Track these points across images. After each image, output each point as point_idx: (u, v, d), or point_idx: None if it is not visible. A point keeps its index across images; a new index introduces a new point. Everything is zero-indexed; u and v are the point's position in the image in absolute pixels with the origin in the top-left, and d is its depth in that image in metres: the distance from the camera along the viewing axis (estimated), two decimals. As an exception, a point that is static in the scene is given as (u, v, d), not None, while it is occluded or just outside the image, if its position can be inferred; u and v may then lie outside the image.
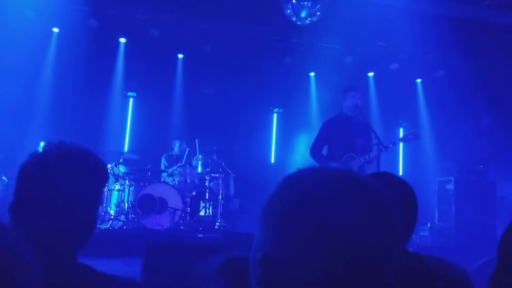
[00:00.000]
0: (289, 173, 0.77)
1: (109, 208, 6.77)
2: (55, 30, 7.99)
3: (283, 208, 0.72)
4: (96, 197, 1.26)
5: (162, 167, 7.48)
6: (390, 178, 1.55)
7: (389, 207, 0.73)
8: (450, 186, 7.28)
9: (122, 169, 7.01)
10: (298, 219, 0.69)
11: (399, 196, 1.47)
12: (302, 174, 0.75)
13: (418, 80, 9.48)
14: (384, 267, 0.70)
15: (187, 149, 7.33)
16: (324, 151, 5.31)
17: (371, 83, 9.39)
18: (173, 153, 7.67)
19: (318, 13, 5.89)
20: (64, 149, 1.22)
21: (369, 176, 1.57)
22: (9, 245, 0.73)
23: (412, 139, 5.25)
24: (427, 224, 7.61)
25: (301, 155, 8.05)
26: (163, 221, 6.22)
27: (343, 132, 5.16)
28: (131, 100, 8.90)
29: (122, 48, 8.47)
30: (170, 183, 6.83)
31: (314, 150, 5.27)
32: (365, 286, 0.68)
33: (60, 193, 1.16)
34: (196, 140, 7.37)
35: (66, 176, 1.18)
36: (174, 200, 6.35)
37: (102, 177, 1.28)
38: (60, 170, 1.18)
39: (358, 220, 0.68)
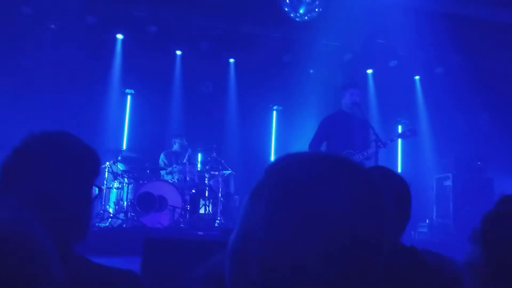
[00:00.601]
0: (276, 159, 0.74)
1: (108, 206, 6.76)
2: (52, 26, 7.95)
3: (268, 197, 0.68)
4: (86, 187, 1.20)
5: (162, 164, 7.46)
6: (385, 171, 1.56)
7: (380, 194, 0.70)
8: (449, 183, 7.31)
9: (120, 167, 7.00)
10: (284, 208, 0.66)
11: (394, 190, 1.48)
12: (289, 160, 0.72)
13: (417, 77, 9.48)
14: (375, 256, 0.67)
15: (190, 150, 7.31)
16: (323, 148, 5.32)
17: (370, 80, 9.39)
18: (173, 150, 7.66)
19: (316, 10, 5.88)
20: (45, 138, 1.17)
21: (369, 168, 1.58)
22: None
23: (409, 135, 5.27)
24: (426, 221, 7.63)
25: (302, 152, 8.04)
26: (163, 219, 6.22)
27: (341, 129, 5.18)
28: (129, 97, 8.88)
29: (119, 45, 8.43)
30: (169, 181, 6.82)
31: (313, 147, 5.28)
32: (355, 277, 0.65)
33: (44, 185, 1.11)
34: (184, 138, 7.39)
35: (48, 167, 1.13)
36: (173, 198, 6.34)
37: (91, 164, 1.22)
38: (41, 161, 1.13)
39: (347, 208, 0.65)
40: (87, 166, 1.21)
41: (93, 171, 1.23)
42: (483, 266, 1.12)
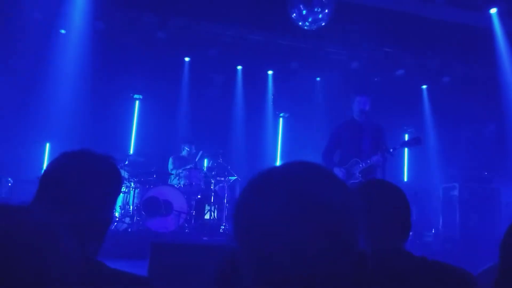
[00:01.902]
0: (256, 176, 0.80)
1: (114, 210, 6.78)
2: (62, 31, 8.03)
3: (234, 212, 0.77)
4: (111, 200, 1.32)
5: (171, 167, 7.47)
6: (382, 183, 1.61)
7: (311, 209, 0.72)
8: (455, 193, 7.28)
9: (127, 171, 7.03)
10: (236, 223, 0.76)
11: (391, 201, 1.51)
12: (254, 178, 0.79)
13: (424, 86, 9.48)
14: (340, 260, 0.71)
15: (200, 152, 7.34)
16: (337, 156, 5.36)
17: (377, 88, 9.39)
18: (181, 155, 7.68)
19: (325, 19, 5.91)
20: (85, 155, 1.29)
21: (362, 184, 1.64)
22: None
23: (414, 144, 5.26)
24: (432, 230, 7.60)
25: (307, 159, 8.04)
26: (168, 224, 6.23)
27: (351, 137, 5.20)
28: (137, 102, 8.94)
29: (129, 51, 8.49)
30: (175, 185, 6.84)
31: (325, 155, 5.32)
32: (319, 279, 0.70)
33: (79, 195, 1.22)
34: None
35: (85, 180, 1.24)
36: (179, 203, 6.36)
37: (118, 182, 1.35)
38: (81, 175, 1.24)
39: (276, 224, 0.70)
40: (116, 180, 1.34)
41: (116, 189, 1.35)
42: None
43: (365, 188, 1.58)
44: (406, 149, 7.81)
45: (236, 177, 7.43)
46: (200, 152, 7.33)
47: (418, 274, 1.38)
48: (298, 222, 0.70)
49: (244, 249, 0.74)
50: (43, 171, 1.26)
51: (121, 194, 6.80)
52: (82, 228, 1.18)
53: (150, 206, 6.27)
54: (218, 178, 7.27)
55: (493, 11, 7.46)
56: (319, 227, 0.70)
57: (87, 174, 1.25)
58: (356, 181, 5.06)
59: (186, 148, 7.60)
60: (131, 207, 6.61)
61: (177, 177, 7.07)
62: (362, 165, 5.10)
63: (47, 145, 8.06)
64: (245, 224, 0.74)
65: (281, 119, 9.71)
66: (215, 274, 1.16)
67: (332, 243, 0.70)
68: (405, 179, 9.60)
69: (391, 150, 5.06)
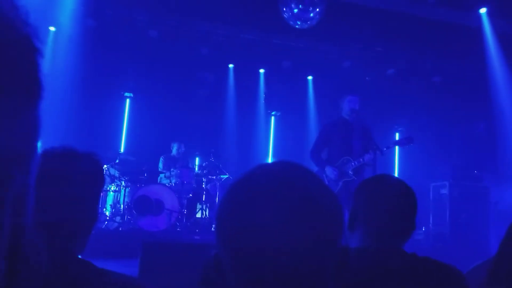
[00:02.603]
0: (239, 177, 0.80)
1: (104, 209, 6.75)
2: (52, 29, 7.97)
3: (218, 212, 0.77)
4: (95, 197, 1.30)
5: (161, 167, 7.47)
6: (389, 180, 1.57)
7: (304, 213, 0.72)
8: (445, 191, 7.33)
9: (118, 170, 7.00)
10: (223, 225, 0.74)
11: (396, 199, 1.50)
12: (243, 182, 0.78)
13: (414, 85, 9.53)
14: (299, 269, 0.71)
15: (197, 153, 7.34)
16: (325, 154, 5.37)
17: (368, 87, 9.43)
18: (171, 154, 7.67)
19: (316, 17, 5.92)
20: (65, 150, 1.27)
21: (372, 178, 1.61)
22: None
23: (406, 143, 5.30)
24: (422, 228, 7.65)
25: (298, 158, 8.06)
26: (159, 223, 6.21)
27: (341, 136, 5.22)
28: (128, 100, 8.89)
29: (120, 49, 8.44)
30: (166, 184, 6.82)
31: (314, 153, 5.33)
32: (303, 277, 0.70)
33: (61, 193, 1.19)
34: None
35: (66, 176, 1.22)
36: (170, 202, 6.34)
37: (101, 179, 1.33)
38: (60, 170, 1.22)
39: (268, 228, 0.70)
40: (98, 176, 1.31)
41: (99, 186, 1.32)
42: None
43: (372, 183, 1.56)
44: (397, 148, 7.85)
45: (227, 176, 7.43)
46: (197, 153, 7.33)
47: (409, 271, 1.39)
48: (284, 220, 0.70)
49: (228, 248, 0.74)
50: None
51: (112, 193, 6.78)
52: (65, 227, 1.19)
53: (141, 205, 6.25)
54: (209, 176, 7.27)
55: (483, 11, 7.53)
56: (305, 226, 0.70)
57: (68, 171, 1.23)
58: (349, 179, 5.08)
59: (175, 147, 7.60)
60: (122, 206, 6.58)
61: (169, 177, 7.06)
62: (354, 163, 5.12)
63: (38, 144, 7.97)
64: (229, 224, 0.74)
65: (272, 118, 9.72)
66: (200, 274, 1.16)
67: (317, 241, 0.71)
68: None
69: (385, 149, 5.09)
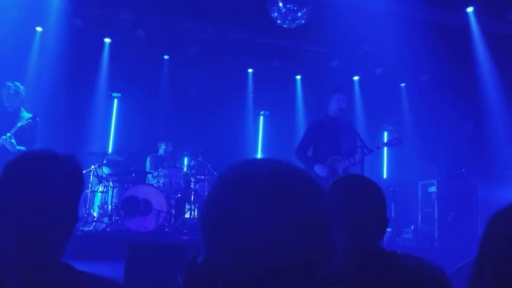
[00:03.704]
0: (221, 173, 0.78)
1: (92, 210, 6.69)
2: (39, 29, 7.89)
3: (210, 214, 0.74)
4: (74, 199, 1.29)
5: (148, 168, 7.43)
6: (359, 179, 1.58)
7: (301, 218, 0.71)
8: (433, 189, 7.37)
9: (105, 170, 6.95)
10: (219, 229, 0.71)
11: (368, 197, 1.50)
12: (234, 176, 0.76)
13: (402, 85, 9.59)
14: (297, 272, 0.70)
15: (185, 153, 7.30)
16: (310, 153, 5.34)
17: (356, 87, 9.47)
18: (158, 154, 7.63)
19: (304, 17, 5.92)
20: (44, 153, 1.26)
21: (338, 179, 1.62)
22: None
23: (395, 144, 5.31)
24: (411, 227, 7.69)
25: (287, 157, 8.06)
26: (148, 223, 6.17)
27: (328, 134, 5.21)
28: (115, 101, 8.83)
29: (107, 49, 8.40)
30: (155, 185, 6.78)
31: (300, 152, 5.30)
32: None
33: (40, 195, 1.19)
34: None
35: (45, 179, 1.21)
36: (158, 202, 6.30)
37: (80, 182, 1.32)
38: (40, 173, 1.21)
39: (269, 233, 0.69)
40: (77, 178, 1.30)
41: (78, 188, 1.31)
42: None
43: (340, 184, 1.57)
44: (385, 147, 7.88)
45: (216, 175, 7.39)
46: (185, 153, 7.29)
47: (390, 269, 1.39)
48: (274, 217, 0.69)
49: (215, 245, 0.72)
50: (1, 171, 1.23)
51: (99, 193, 6.72)
52: (42, 229, 1.18)
53: (129, 205, 6.20)
54: (198, 176, 7.24)
55: (470, 10, 7.59)
56: (295, 223, 0.70)
57: (46, 174, 1.22)
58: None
59: (163, 146, 7.57)
60: (110, 206, 6.53)
61: (157, 178, 7.01)
62: (345, 163, 5.11)
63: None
64: (217, 221, 0.72)
65: (261, 117, 9.71)
66: (183, 274, 1.14)
67: (307, 239, 0.70)
68: (385, 176, 9.70)
69: (375, 149, 5.09)
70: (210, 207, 0.75)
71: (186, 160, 8.27)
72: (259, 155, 9.50)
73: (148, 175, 7.22)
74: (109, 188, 6.64)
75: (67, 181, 1.25)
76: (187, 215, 7.12)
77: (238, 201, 0.71)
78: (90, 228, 6.29)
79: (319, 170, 5.10)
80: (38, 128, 5.33)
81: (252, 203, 0.70)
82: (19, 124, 5.09)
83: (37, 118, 5.27)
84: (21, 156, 1.25)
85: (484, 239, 1.10)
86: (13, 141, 4.99)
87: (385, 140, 8.30)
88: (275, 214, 0.69)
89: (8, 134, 5.00)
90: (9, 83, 5.34)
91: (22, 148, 5.04)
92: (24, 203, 1.18)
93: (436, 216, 7.17)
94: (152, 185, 6.72)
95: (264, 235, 0.68)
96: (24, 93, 5.44)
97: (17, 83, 5.41)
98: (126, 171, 6.83)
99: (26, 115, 5.29)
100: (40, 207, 1.18)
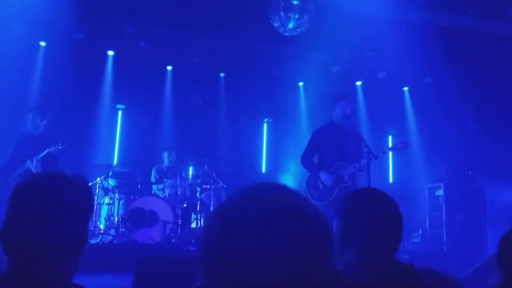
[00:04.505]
0: (222, 203, 0.78)
1: (98, 222, 6.69)
2: (42, 43, 7.95)
3: (207, 240, 0.74)
4: (83, 220, 1.30)
5: (153, 179, 7.44)
6: (374, 194, 1.58)
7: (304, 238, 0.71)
8: (440, 192, 7.34)
9: (111, 182, 6.95)
10: (215, 254, 0.71)
11: (383, 213, 1.49)
12: (229, 205, 0.75)
13: (405, 88, 9.58)
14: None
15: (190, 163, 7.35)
16: (315, 160, 5.33)
17: (359, 91, 9.46)
18: (163, 165, 7.63)
19: (305, 24, 5.94)
20: (54, 174, 1.28)
21: (354, 192, 1.61)
22: None
23: (401, 148, 5.29)
24: (419, 231, 7.64)
25: (292, 164, 8.04)
26: (154, 235, 6.16)
27: (333, 141, 5.19)
28: (120, 112, 8.86)
29: (110, 61, 8.45)
30: (160, 195, 6.78)
31: (305, 159, 5.29)
32: None
33: (50, 216, 1.20)
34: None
35: (55, 200, 1.23)
36: (165, 213, 6.29)
37: (90, 203, 1.34)
38: (50, 194, 1.23)
39: (267, 257, 0.68)
40: (83, 205, 1.31)
41: (88, 209, 1.33)
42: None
43: (356, 197, 1.56)
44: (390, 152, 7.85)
45: (221, 184, 7.39)
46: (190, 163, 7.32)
47: (406, 284, 1.37)
48: (276, 243, 0.68)
49: (218, 276, 0.71)
50: (12, 192, 1.24)
51: (105, 205, 6.73)
52: (53, 251, 1.19)
53: (136, 217, 6.20)
54: (203, 186, 7.23)
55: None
56: (297, 248, 0.69)
57: (57, 195, 1.23)
58: (345, 185, 5.04)
59: (166, 155, 7.58)
60: (116, 218, 6.52)
61: (162, 188, 7.01)
62: (350, 169, 5.09)
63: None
64: (218, 252, 0.71)
65: (265, 125, 9.71)
66: None
67: (309, 262, 0.69)
68: (391, 181, 9.66)
69: (380, 154, 5.07)
70: (207, 236, 0.74)
71: (191, 169, 8.27)
72: (264, 163, 9.48)
73: (154, 186, 7.22)
74: (115, 200, 6.65)
75: (77, 202, 1.27)
76: (193, 225, 7.10)
77: (235, 231, 0.71)
78: (97, 241, 6.29)
79: (324, 177, 5.08)
80: (64, 153, 5.49)
81: (249, 233, 0.69)
82: (47, 150, 5.22)
83: (67, 143, 5.40)
84: (31, 177, 1.27)
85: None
86: (39, 165, 5.14)
87: (390, 145, 8.28)
88: (274, 243, 0.68)
89: (35, 158, 5.15)
90: (33, 108, 5.53)
91: None
92: (34, 223, 1.18)
93: (444, 219, 7.14)
94: (158, 196, 6.72)
95: (263, 264, 0.68)
96: (47, 116, 5.59)
97: (42, 107, 5.57)
98: (131, 183, 6.83)
99: (53, 140, 5.39)
100: (49, 228, 1.18)
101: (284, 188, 0.77)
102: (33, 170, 5.14)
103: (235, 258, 0.69)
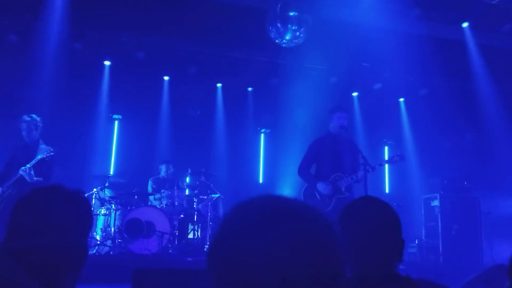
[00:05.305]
0: (224, 217, 0.78)
1: (95, 233, 6.65)
2: (39, 54, 7.93)
3: (212, 255, 0.74)
4: (83, 235, 1.30)
5: (150, 190, 7.42)
6: (374, 203, 1.56)
7: (312, 244, 0.71)
8: (436, 203, 7.37)
9: (108, 193, 6.93)
10: (226, 268, 0.71)
11: (383, 221, 1.49)
12: (237, 218, 0.76)
13: (401, 99, 9.64)
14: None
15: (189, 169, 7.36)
16: (313, 170, 5.35)
17: (356, 102, 9.51)
18: (160, 176, 7.62)
19: (302, 36, 5.98)
20: (54, 189, 1.29)
21: (351, 203, 1.60)
22: None
23: (397, 161, 5.33)
24: (415, 241, 7.66)
25: (289, 175, 8.05)
26: (151, 246, 6.13)
27: (331, 152, 5.22)
28: (116, 123, 8.85)
29: (107, 71, 8.45)
30: (157, 206, 6.76)
31: (302, 170, 5.31)
32: None
33: (50, 231, 1.21)
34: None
35: (55, 215, 1.24)
36: (162, 224, 6.27)
37: (89, 217, 1.35)
38: (49, 209, 1.24)
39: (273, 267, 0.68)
40: (82, 219, 1.31)
41: (87, 224, 1.33)
42: None
43: (351, 208, 1.55)
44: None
45: (219, 195, 7.39)
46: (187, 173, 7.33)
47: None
48: (284, 256, 0.68)
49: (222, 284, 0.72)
50: (14, 206, 1.25)
51: (102, 216, 6.70)
52: (53, 266, 1.19)
53: (132, 228, 6.17)
54: (200, 196, 7.21)
55: (465, 25, 7.68)
56: (307, 261, 0.69)
57: (56, 211, 1.24)
58: (343, 196, 5.06)
59: (163, 168, 7.58)
60: (113, 229, 6.50)
61: (159, 198, 6.99)
62: (347, 180, 5.12)
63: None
64: (224, 261, 0.72)
65: (262, 135, 9.73)
66: None
67: (319, 274, 0.69)
68: (387, 191, 9.68)
69: (377, 166, 5.10)
70: (216, 249, 0.75)
71: (188, 180, 8.26)
72: (261, 173, 9.48)
73: (150, 197, 7.20)
74: (112, 210, 6.62)
75: (76, 217, 1.27)
76: (190, 236, 7.08)
77: (243, 242, 0.71)
78: (93, 252, 6.25)
79: (322, 187, 5.10)
80: (55, 160, 5.48)
81: (257, 243, 0.70)
82: (39, 157, 5.22)
83: (57, 148, 5.43)
84: (32, 192, 1.28)
85: None
86: (32, 172, 5.12)
87: (387, 157, 8.31)
88: (282, 254, 0.69)
89: (28, 166, 5.14)
90: (27, 118, 5.50)
91: (40, 179, 5.20)
92: (35, 237, 1.19)
93: (440, 229, 7.15)
94: (154, 206, 6.70)
95: (272, 275, 0.68)
96: (41, 124, 5.58)
97: (34, 116, 5.55)
98: (128, 193, 6.80)
99: (45, 147, 5.40)
100: (50, 242, 1.19)
101: (295, 202, 0.77)
102: (27, 178, 5.12)
103: (242, 273, 0.69)
